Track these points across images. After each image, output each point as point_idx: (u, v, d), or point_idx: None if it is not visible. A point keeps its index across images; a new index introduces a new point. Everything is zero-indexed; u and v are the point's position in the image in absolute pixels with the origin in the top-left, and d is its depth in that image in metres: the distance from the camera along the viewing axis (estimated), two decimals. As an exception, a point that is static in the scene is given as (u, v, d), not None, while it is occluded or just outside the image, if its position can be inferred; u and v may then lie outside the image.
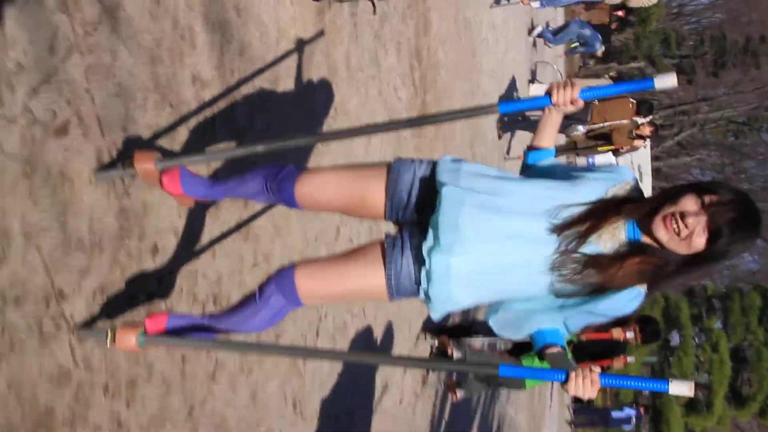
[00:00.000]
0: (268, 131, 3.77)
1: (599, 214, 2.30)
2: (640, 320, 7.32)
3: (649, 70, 43.42)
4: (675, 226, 2.19)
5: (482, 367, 2.44)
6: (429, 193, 2.44)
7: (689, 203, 2.19)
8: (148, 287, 2.81)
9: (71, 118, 2.41)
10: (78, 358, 2.39)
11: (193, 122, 3.12)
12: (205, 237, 3.21)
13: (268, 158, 3.05)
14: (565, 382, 2.25)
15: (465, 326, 7.77)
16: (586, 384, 2.20)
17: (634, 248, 2.30)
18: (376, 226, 5.10)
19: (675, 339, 28.98)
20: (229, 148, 3.31)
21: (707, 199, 2.19)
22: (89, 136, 2.50)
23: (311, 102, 4.36)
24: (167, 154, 2.85)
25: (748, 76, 45.54)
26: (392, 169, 2.51)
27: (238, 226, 3.50)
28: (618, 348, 7.37)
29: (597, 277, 2.28)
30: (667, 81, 2.34)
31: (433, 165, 2.50)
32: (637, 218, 2.30)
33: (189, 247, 3.09)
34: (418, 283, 2.37)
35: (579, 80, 2.49)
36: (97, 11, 2.55)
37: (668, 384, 2.20)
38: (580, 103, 2.38)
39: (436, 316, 2.47)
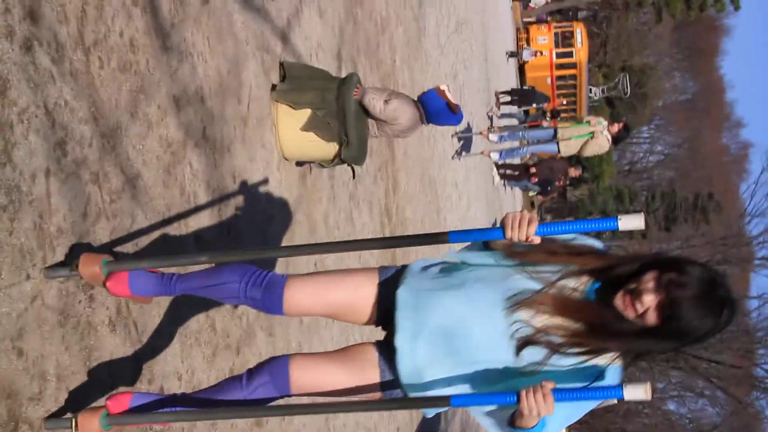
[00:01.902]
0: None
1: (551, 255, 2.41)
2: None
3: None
4: (632, 302, 2.26)
5: (434, 403, 2.53)
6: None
7: (648, 280, 2.24)
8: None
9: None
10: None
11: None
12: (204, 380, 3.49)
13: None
14: (516, 402, 2.22)
15: None
16: (539, 399, 2.16)
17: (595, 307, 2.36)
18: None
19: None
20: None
21: (666, 277, 2.23)
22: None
23: (294, 261, 4.72)
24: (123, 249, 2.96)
25: (699, 231, 47.03)
26: (380, 273, 2.66)
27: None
28: None
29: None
30: (633, 221, 2.21)
31: (400, 270, 2.68)
32: (599, 287, 2.37)
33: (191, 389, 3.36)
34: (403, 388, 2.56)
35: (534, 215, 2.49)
36: (122, 181, 2.93)
37: (622, 389, 2.17)
38: (536, 240, 2.26)
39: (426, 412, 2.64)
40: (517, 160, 25.96)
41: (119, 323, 2.86)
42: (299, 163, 4.92)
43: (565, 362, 2.37)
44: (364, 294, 2.63)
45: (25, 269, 2.35)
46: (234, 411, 2.78)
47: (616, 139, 11.60)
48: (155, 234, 3.15)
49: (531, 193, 17.69)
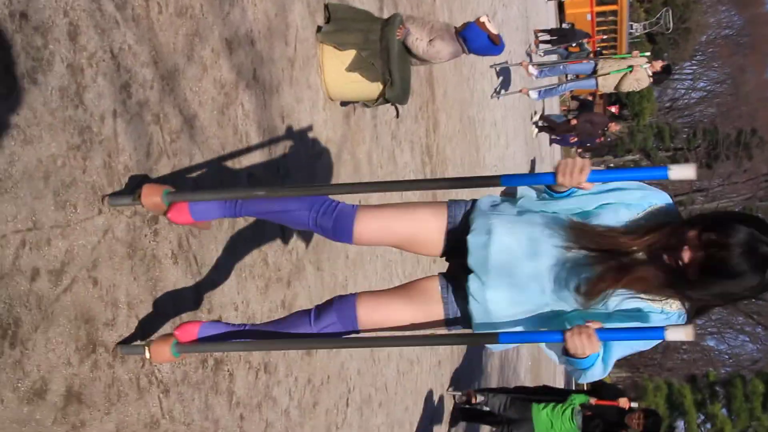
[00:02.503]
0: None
1: (608, 259, 2.43)
2: (645, 411, 7.77)
3: (644, 162, 44.34)
4: (674, 261, 2.35)
5: (483, 340, 2.63)
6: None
7: (690, 238, 2.32)
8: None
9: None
10: (165, 410, 2.84)
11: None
12: (258, 312, 3.68)
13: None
14: (562, 341, 2.34)
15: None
16: (583, 340, 2.28)
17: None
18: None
19: (680, 426, 29.00)
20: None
21: (707, 234, 2.30)
22: (173, 224, 3.00)
23: (339, 196, 4.87)
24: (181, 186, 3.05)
25: (741, 168, 46.47)
26: (449, 210, 2.74)
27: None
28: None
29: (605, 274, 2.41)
30: (684, 171, 2.24)
31: (472, 205, 2.75)
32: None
33: (246, 319, 3.55)
34: (469, 318, 2.66)
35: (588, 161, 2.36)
36: (180, 122, 3.08)
37: (664, 331, 2.23)
38: (588, 187, 2.33)
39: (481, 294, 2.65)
40: (556, 99, 25.70)
41: (181, 256, 3.04)
42: (344, 103, 5.05)
43: (611, 304, 2.47)
44: (432, 227, 2.72)
45: (97, 204, 2.53)
46: (298, 342, 2.94)
47: (657, 80, 11.45)
48: (211, 171, 3.31)
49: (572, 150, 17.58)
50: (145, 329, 2.75)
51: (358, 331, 2.77)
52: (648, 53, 11.53)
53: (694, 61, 63.02)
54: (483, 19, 5.15)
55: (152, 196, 2.60)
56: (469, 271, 2.63)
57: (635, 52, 11.56)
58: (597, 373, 2.52)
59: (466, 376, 8.86)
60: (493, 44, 5.18)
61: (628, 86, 11.59)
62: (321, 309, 2.79)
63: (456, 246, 2.70)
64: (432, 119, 7.76)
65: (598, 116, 14.79)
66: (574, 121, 14.87)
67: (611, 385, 8.85)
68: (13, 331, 2.14)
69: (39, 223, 2.26)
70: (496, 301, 2.58)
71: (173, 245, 2.99)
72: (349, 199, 4.84)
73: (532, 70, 13.77)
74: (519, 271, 2.55)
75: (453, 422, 8.18)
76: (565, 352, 2.43)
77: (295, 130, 4.27)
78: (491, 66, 12.65)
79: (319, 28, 4.68)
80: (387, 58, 4.52)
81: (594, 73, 11.82)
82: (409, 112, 6.81)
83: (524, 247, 2.54)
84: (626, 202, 2.53)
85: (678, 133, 51.25)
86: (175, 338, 2.66)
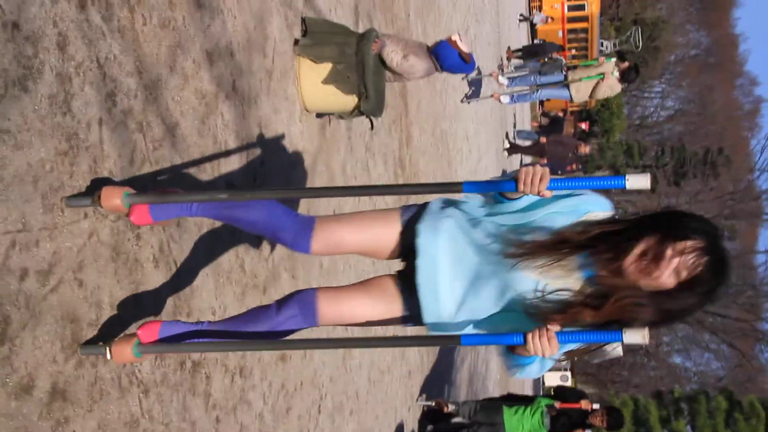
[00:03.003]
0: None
1: (553, 247, 2.46)
2: (607, 409, 8.12)
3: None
4: (646, 269, 2.36)
5: (445, 341, 2.70)
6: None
7: (665, 248, 2.34)
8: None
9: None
10: (144, 410, 2.92)
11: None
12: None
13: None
14: (523, 344, 2.39)
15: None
16: (543, 342, 2.33)
17: (597, 289, 2.44)
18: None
19: (645, 442, 29.29)
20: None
21: (680, 245, 2.33)
22: (155, 229, 3.09)
23: (315, 205, 4.98)
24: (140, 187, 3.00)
25: (708, 186, 47.11)
26: (402, 216, 2.85)
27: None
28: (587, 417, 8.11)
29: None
30: (640, 181, 2.27)
31: (422, 208, 2.86)
32: (597, 257, 2.45)
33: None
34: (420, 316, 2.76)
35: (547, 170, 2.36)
36: (162, 130, 3.17)
37: (622, 333, 2.28)
38: (547, 195, 2.35)
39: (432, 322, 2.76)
40: (527, 114, 25.88)
41: (162, 260, 3.13)
42: (319, 115, 5.16)
43: None
44: (385, 237, 2.82)
45: (83, 209, 2.61)
46: (262, 343, 3.02)
47: (627, 79, 11.54)
48: (191, 179, 3.41)
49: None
50: (127, 330, 2.83)
51: (317, 325, 2.85)
52: (614, 58, 11.67)
53: (663, 80, 63.89)
54: (455, 37, 5.28)
55: (112, 199, 2.60)
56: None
57: (601, 59, 11.70)
58: (534, 371, 2.64)
59: (435, 388, 8.98)
60: (464, 62, 5.31)
61: (602, 93, 11.71)
62: (282, 303, 2.85)
63: (410, 247, 2.79)
64: (405, 132, 7.89)
65: (567, 138, 14.97)
66: (544, 139, 15.03)
67: (573, 388, 9.34)
68: (3, 328, 2.22)
69: (28, 225, 2.34)
70: (444, 300, 2.69)
71: (155, 249, 3.08)
72: (320, 208, 4.96)
73: (502, 79, 13.88)
74: (465, 274, 2.67)
75: (421, 428, 8.32)
76: (512, 350, 2.55)
77: (272, 140, 4.37)
78: (462, 78, 12.81)
79: (296, 41, 4.80)
80: (362, 71, 4.64)
81: (564, 80, 11.93)
82: (383, 125, 6.94)
83: (469, 255, 2.66)
84: (561, 211, 2.58)
85: (647, 151, 51.88)
86: (137, 338, 2.68)
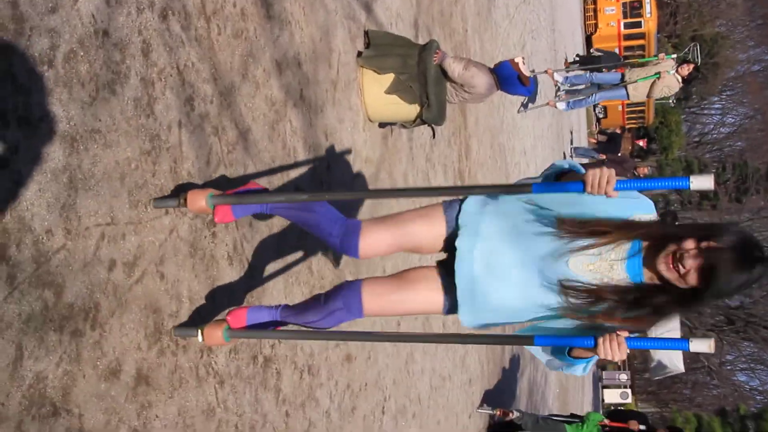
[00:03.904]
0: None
1: (611, 229, 2.56)
2: (670, 429, 8.24)
3: (673, 196, 44.23)
4: (674, 265, 2.47)
5: (518, 341, 2.78)
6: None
7: (690, 246, 2.46)
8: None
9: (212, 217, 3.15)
10: (220, 400, 3.06)
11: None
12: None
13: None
14: (594, 347, 2.47)
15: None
16: (614, 347, 2.42)
17: (637, 288, 2.56)
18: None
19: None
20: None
21: (705, 243, 2.45)
22: (229, 228, 3.24)
23: (378, 212, 5.11)
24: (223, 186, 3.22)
25: (771, 202, 46.17)
26: (446, 213, 2.90)
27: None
28: None
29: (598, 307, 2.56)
30: (703, 182, 2.30)
31: (460, 204, 2.90)
32: (644, 250, 2.57)
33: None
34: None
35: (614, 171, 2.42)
36: (236, 135, 3.33)
37: (689, 342, 2.34)
38: (614, 195, 2.38)
39: (468, 323, 2.88)
40: (584, 122, 25.58)
41: (236, 258, 3.28)
42: (382, 125, 5.30)
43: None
44: (431, 230, 2.90)
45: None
46: (334, 334, 3.17)
47: (687, 80, 11.37)
48: (262, 182, 3.56)
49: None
50: (204, 322, 2.98)
51: (362, 317, 2.95)
52: (675, 55, 11.42)
53: (723, 96, 62.92)
54: (517, 59, 5.36)
55: (198, 201, 2.78)
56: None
57: (661, 55, 11.43)
58: (579, 370, 2.75)
59: (495, 398, 9.01)
60: (522, 84, 5.37)
61: (659, 93, 11.48)
62: (329, 295, 2.98)
63: (451, 241, 2.87)
64: (464, 145, 8.00)
65: (625, 158, 14.80)
66: (603, 156, 14.87)
67: (628, 411, 9.71)
68: (94, 314, 2.37)
69: (116, 219, 2.51)
70: (484, 299, 2.78)
71: (229, 248, 3.22)
72: (378, 207, 5.08)
73: (557, 76, 13.70)
74: (503, 273, 2.73)
75: None
76: (569, 352, 2.67)
77: (337, 148, 4.52)
78: (520, 110, 12.86)
79: (359, 53, 4.94)
80: (424, 81, 4.77)
81: (622, 81, 11.78)
82: (443, 137, 7.06)
83: (508, 251, 2.72)
84: (608, 209, 2.65)
85: (707, 167, 51.11)
86: (227, 323, 2.88)
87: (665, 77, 11.12)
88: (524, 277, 2.70)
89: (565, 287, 2.60)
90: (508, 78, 5.33)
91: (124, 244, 2.54)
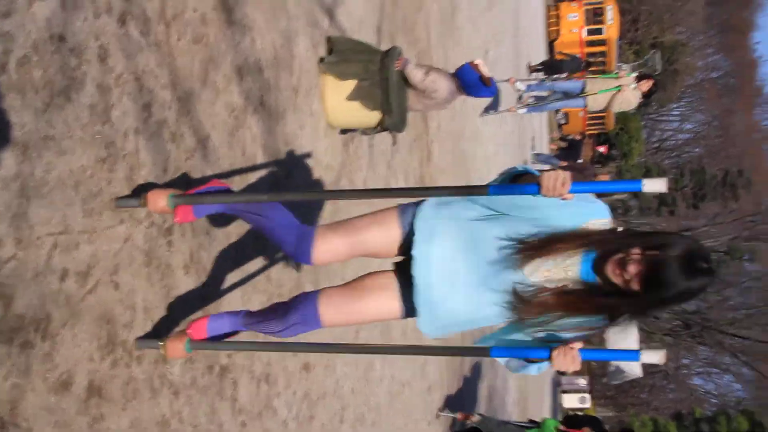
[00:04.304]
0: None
1: (561, 240, 2.60)
2: (623, 431, 8.54)
3: (632, 201, 44.69)
4: (620, 269, 2.51)
5: (474, 353, 2.85)
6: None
7: (634, 253, 2.50)
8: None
9: (174, 225, 3.11)
10: (174, 411, 3.01)
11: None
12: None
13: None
14: (548, 359, 2.55)
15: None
16: (568, 359, 2.51)
17: (585, 286, 2.61)
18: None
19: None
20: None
21: (650, 252, 2.48)
22: (185, 236, 3.19)
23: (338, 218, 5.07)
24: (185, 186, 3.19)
25: (727, 209, 46.85)
26: (400, 217, 2.89)
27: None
28: None
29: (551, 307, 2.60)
30: (655, 185, 2.33)
31: (415, 208, 2.89)
32: (595, 256, 2.60)
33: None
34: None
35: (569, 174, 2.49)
36: (194, 142, 3.29)
37: (639, 354, 2.42)
38: (569, 197, 2.41)
39: (427, 331, 2.87)
40: (545, 129, 25.78)
41: (192, 267, 3.24)
42: (343, 131, 5.27)
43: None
44: (386, 235, 2.89)
45: (120, 214, 2.73)
46: (292, 345, 3.14)
47: (647, 95, 11.51)
48: (212, 180, 3.52)
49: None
50: (158, 333, 2.94)
51: (321, 327, 2.94)
52: (635, 73, 11.54)
53: (682, 103, 63.73)
54: (477, 61, 5.36)
55: (158, 201, 2.76)
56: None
57: (622, 72, 11.53)
58: (533, 371, 2.78)
59: (456, 403, 9.02)
60: (485, 85, 5.37)
61: (617, 107, 11.66)
62: (288, 307, 2.96)
63: (408, 245, 2.86)
64: (426, 151, 7.99)
65: (584, 166, 14.98)
66: (563, 163, 14.99)
67: (579, 415, 10.09)
68: (45, 325, 2.32)
69: (69, 227, 2.46)
70: (441, 306, 2.78)
71: (185, 257, 3.18)
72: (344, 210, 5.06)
73: (519, 85, 13.79)
74: (459, 279, 2.74)
75: None
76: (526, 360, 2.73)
77: (298, 155, 4.49)
78: (481, 114, 12.91)
79: (321, 59, 4.92)
80: (386, 87, 4.75)
81: (582, 92, 11.89)
82: (404, 143, 7.05)
83: (463, 257, 2.74)
84: (564, 218, 2.69)
85: (666, 174, 51.72)
86: (188, 335, 2.87)
87: (625, 91, 11.26)
88: (479, 284, 2.72)
89: (517, 292, 2.63)
90: (469, 81, 5.31)
91: (77, 253, 2.49)
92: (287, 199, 3.00)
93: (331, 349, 3.14)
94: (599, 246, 2.60)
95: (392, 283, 2.92)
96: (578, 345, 2.55)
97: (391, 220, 2.92)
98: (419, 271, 2.78)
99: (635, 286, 2.50)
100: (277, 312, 2.99)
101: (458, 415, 8.63)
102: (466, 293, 2.75)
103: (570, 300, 2.61)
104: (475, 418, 8.68)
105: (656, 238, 2.56)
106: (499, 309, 2.70)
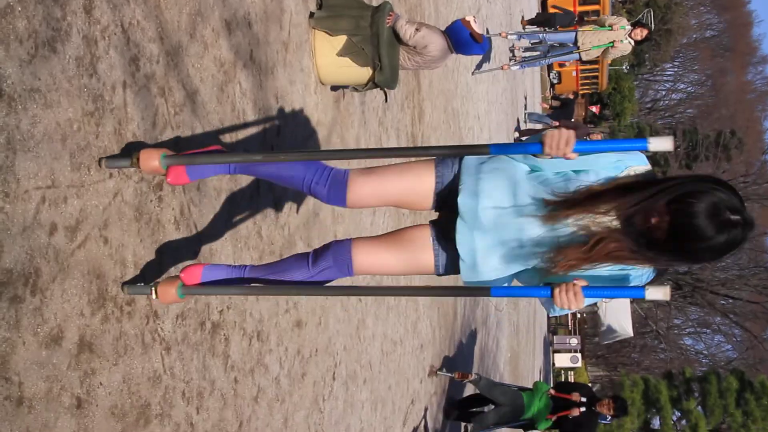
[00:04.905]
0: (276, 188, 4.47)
1: (586, 202, 2.58)
2: (613, 398, 8.84)
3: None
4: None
5: (474, 293, 2.83)
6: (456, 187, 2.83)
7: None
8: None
9: (164, 179, 3.08)
10: (166, 367, 3.01)
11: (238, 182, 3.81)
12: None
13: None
14: (551, 297, 2.52)
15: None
16: (570, 296, 2.47)
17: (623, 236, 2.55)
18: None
19: (655, 422, 29.38)
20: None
21: (676, 203, 2.44)
22: (176, 192, 3.17)
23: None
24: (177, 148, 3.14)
25: (720, 169, 46.97)
26: (437, 169, 2.88)
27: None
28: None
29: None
30: (662, 143, 2.35)
31: (460, 162, 2.89)
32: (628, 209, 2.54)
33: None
34: (456, 263, 2.85)
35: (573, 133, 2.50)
36: (183, 96, 3.25)
37: (644, 290, 2.38)
38: (572, 157, 2.43)
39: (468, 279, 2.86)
40: (538, 87, 25.72)
41: (182, 222, 3.21)
42: (334, 88, 5.23)
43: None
44: (420, 187, 2.88)
45: (108, 169, 2.70)
46: (299, 289, 3.16)
47: (640, 43, 11.53)
48: (211, 144, 3.49)
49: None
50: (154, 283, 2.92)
51: (352, 275, 2.96)
52: (627, 25, 11.47)
53: (675, 63, 63.59)
54: (468, 17, 5.30)
55: (150, 161, 2.72)
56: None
57: (615, 25, 11.46)
58: (565, 312, 2.74)
59: (448, 363, 9.09)
60: (476, 42, 5.31)
61: (611, 56, 11.72)
62: (318, 254, 2.97)
63: (445, 200, 2.88)
64: (417, 108, 7.95)
65: (578, 124, 14.95)
66: (556, 123, 14.98)
67: (568, 382, 10.83)
68: (34, 280, 2.30)
69: (57, 181, 2.43)
70: (483, 254, 2.78)
71: (176, 212, 3.16)
72: (340, 164, 5.04)
73: (512, 36, 13.71)
74: (506, 229, 2.73)
75: (447, 415, 9.19)
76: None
77: (288, 111, 4.45)
78: (473, 72, 12.85)
79: (311, 14, 4.86)
80: (377, 43, 4.70)
81: (575, 43, 11.87)
82: (396, 101, 7.00)
83: (510, 209, 2.72)
84: (603, 167, 2.69)
85: (659, 134, 51.71)
86: (180, 280, 2.83)
87: (618, 45, 11.26)
88: (520, 237, 2.71)
89: (555, 244, 2.62)
90: (461, 38, 5.26)
91: (65, 207, 2.47)
92: (281, 159, 2.94)
93: (328, 292, 3.12)
94: (630, 199, 2.55)
95: (428, 237, 2.91)
96: (581, 282, 2.50)
97: (428, 171, 2.90)
98: (466, 218, 2.76)
99: (659, 235, 2.47)
100: (305, 258, 2.98)
101: (456, 375, 8.81)
102: (509, 247, 2.74)
103: (606, 250, 2.56)
104: (473, 377, 8.87)
105: (681, 188, 2.48)
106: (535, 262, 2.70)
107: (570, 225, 2.63)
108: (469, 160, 2.89)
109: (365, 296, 4.98)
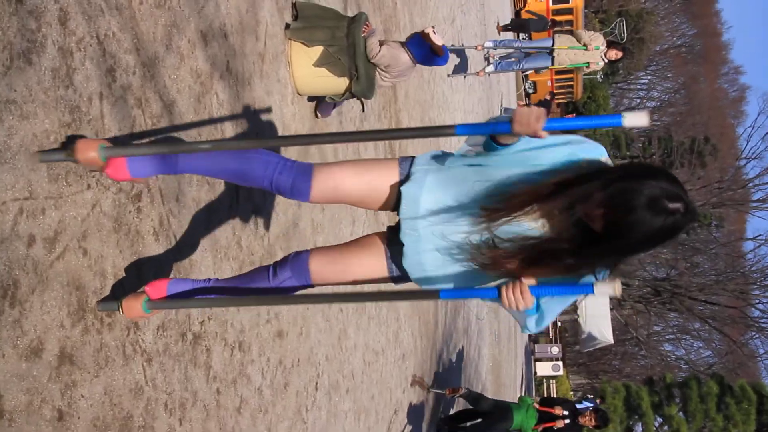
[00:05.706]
0: (254, 200, 4.47)
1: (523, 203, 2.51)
2: (594, 410, 9.14)
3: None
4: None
5: (424, 296, 2.79)
6: None
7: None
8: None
9: (143, 189, 3.08)
10: (148, 378, 3.00)
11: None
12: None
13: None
14: (497, 298, 2.45)
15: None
16: (516, 295, 2.41)
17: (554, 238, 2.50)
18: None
19: (638, 428, 29.49)
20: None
21: (612, 190, 2.34)
22: (154, 203, 3.16)
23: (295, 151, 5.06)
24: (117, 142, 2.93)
25: (695, 175, 47.35)
26: (400, 166, 2.84)
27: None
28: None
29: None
30: (637, 119, 2.24)
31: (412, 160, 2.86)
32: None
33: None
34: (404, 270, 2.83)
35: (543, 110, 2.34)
36: (160, 107, 3.25)
37: (593, 287, 2.33)
38: (543, 135, 2.33)
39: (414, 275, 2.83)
40: (513, 91, 25.87)
41: (162, 233, 3.21)
42: (311, 98, 5.24)
43: None
44: (384, 183, 2.83)
45: (86, 180, 2.69)
46: (263, 299, 3.14)
47: (614, 62, 11.63)
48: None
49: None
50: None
51: (312, 285, 2.95)
52: (602, 46, 11.53)
53: (648, 71, 64.12)
54: (428, 30, 5.27)
55: (88, 152, 2.53)
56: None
57: (590, 45, 11.49)
58: (531, 326, 2.69)
59: (430, 372, 9.10)
60: (436, 55, 5.29)
61: (590, 56, 11.80)
62: (278, 265, 2.97)
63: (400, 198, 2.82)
64: (394, 118, 7.97)
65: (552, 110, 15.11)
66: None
67: (553, 397, 11.40)
68: (13, 291, 2.29)
69: (35, 193, 2.42)
70: (425, 244, 2.74)
71: (155, 223, 3.15)
72: (303, 152, 5.04)
73: (488, 43, 13.68)
74: (446, 225, 2.69)
75: (439, 430, 9.45)
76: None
77: (265, 121, 4.45)
78: (448, 75, 12.90)
79: (287, 25, 4.87)
80: (353, 53, 4.72)
81: (551, 52, 11.93)
82: (373, 111, 7.02)
83: (451, 206, 2.68)
84: (552, 162, 2.59)
85: (634, 141, 52.16)
86: (146, 294, 2.79)
87: (592, 67, 11.40)
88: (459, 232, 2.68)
89: (482, 248, 2.60)
90: (421, 51, 5.26)
91: (43, 219, 2.46)
92: (230, 147, 2.85)
93: (294, 300, 3.09)
94: (563, 199, 2.47)
95: (382, 243, 2.90)
96: (529, 281, 2.44)
97: (393, 167, 2.86)
98: (406, 210, 2.75)
99: (596, 226, 2.39)
100: (266, 270, 2.98)
101: (447, 391, 9.05)
102: (449, 244, 2.70)
103: (534, 255, 2.52)
104: (462, 391, 9.08)
105: (618, 182, 2.38)
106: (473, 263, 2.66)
107: (507, 228, 2.58)
108: (422, 158, 2.87)
109: (312, 304, 4.95)
